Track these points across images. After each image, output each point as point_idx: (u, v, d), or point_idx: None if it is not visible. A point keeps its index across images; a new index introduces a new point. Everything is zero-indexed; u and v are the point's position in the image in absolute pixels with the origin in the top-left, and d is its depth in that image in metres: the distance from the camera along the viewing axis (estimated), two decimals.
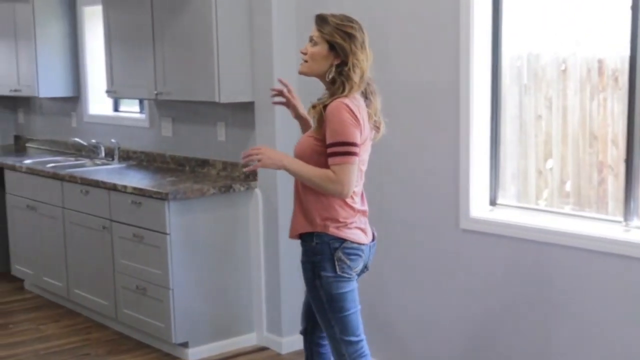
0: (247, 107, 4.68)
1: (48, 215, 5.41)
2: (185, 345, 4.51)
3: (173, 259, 4.37)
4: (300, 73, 3.11)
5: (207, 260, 4.53)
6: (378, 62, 4.09)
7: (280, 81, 3.27)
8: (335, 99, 2.96)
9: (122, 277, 4.75)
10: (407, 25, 3.93)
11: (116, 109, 6.20)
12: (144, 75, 4.95)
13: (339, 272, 3.02)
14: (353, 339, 3.09)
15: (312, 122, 3.07)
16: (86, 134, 6.21)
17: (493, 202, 3.78)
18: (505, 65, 3.71)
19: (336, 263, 3.02)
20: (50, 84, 6.12)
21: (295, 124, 3.34)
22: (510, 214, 3.68)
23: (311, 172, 2.98)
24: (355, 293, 3.09)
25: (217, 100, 4.49)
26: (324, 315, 3.08)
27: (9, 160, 5.92)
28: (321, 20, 3.03)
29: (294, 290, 4.52)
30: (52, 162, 5.73)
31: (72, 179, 5.06)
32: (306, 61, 3.05)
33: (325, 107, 2.96)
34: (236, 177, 4.81)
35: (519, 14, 3.65)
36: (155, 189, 4.42)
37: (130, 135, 5.78)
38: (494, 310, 3.69)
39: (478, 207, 3.74)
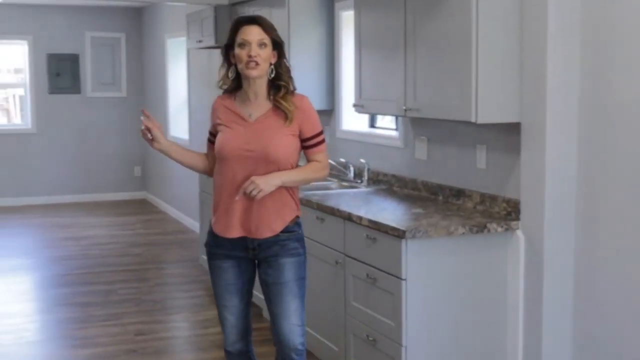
0: (512, 129, 3.83)
1: None
2: None
3: (408, 309, 3.64)
4: (255, 77, 3.18)
5: (451, 315, 3.74)
6: (598, 73, 3.11)
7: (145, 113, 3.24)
8: (290, 92, 3.22)
9: (354, 322, 4.10)
10: None
11: (372, 125, 5.61)
12: (394, 87, 4.26)
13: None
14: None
15: (288, 115, 3.17)
16: (337, 151, 5.65)
17: None
18: None
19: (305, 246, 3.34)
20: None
21: (570, 150, 3.45)
22: None
23: (303, 172, 3.24)
24: None
25: (473, 120, 3.69)
26: (298, 302, 3.26)
27: None
28: (265, 22, 3.23)
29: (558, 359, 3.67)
30: None
31: (308, 204, 4.50)
32: (258, 64, 3.14)
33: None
34: (494, 213, 3.96)
35: None
36: (392, 224, 3.71)
37: (382, 155, 5.14)
38: None
39: None
